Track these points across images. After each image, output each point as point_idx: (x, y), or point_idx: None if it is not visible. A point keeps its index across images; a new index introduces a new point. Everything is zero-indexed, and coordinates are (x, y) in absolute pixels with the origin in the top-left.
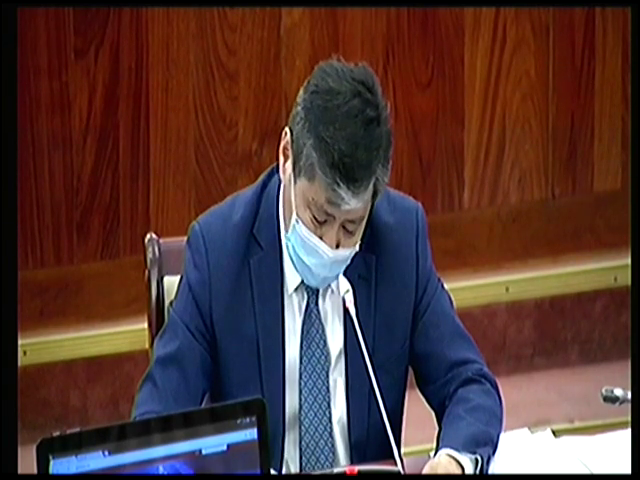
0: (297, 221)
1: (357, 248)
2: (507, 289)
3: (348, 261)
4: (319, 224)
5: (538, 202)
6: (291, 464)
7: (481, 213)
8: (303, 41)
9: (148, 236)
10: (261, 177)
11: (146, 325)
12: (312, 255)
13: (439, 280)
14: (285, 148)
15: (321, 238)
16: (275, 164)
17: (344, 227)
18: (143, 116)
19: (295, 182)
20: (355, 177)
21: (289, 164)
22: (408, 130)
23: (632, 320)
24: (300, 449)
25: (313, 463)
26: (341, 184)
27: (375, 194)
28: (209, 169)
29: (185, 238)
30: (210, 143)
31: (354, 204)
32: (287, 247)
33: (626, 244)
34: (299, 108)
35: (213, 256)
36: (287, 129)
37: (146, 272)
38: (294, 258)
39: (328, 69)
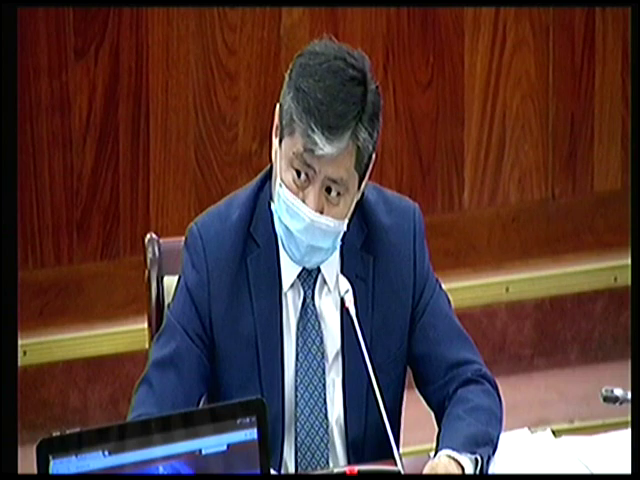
0: (281, 185)
1: (345, 227)
2: (507, 289)
3: (334, 236)
4: (301, 186)
5: (538, 202)
6: (289, 463)
7: (481, 213)
8: (303, 41)
9: (148, 236)
10: (258, 176)
11: (146, 325)
12: (295, 218)
13: (437, 280)
14: (276, 127)
15: (304, 202)
16: (272, 164)
17: (326, 190)
18: (143, 116)
19: (280, 147)
20: (329, 124)
21: (276, 139)
22: (408, 130)
23: (632, 320)
24: (296, 446)
25: (308, 460)
26: (315, 129)
27: (358, 158)
28: (209, 169)
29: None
30: (210, 143)
31: (329, 150)
32: (275, 222)
33: (626, 244)
34: (287, 78)
35: (212, 257)
36: (277, 105)
37: (146, 272)
38: (281, 229)
39: (318, 41)
